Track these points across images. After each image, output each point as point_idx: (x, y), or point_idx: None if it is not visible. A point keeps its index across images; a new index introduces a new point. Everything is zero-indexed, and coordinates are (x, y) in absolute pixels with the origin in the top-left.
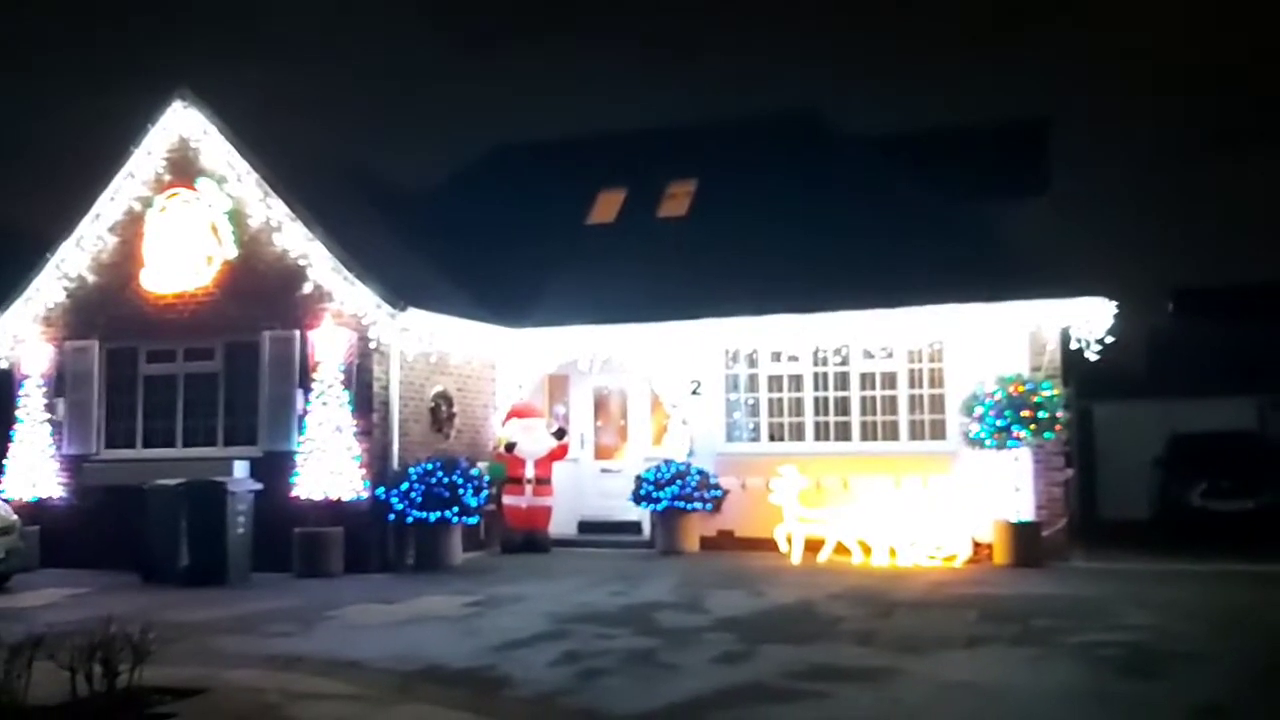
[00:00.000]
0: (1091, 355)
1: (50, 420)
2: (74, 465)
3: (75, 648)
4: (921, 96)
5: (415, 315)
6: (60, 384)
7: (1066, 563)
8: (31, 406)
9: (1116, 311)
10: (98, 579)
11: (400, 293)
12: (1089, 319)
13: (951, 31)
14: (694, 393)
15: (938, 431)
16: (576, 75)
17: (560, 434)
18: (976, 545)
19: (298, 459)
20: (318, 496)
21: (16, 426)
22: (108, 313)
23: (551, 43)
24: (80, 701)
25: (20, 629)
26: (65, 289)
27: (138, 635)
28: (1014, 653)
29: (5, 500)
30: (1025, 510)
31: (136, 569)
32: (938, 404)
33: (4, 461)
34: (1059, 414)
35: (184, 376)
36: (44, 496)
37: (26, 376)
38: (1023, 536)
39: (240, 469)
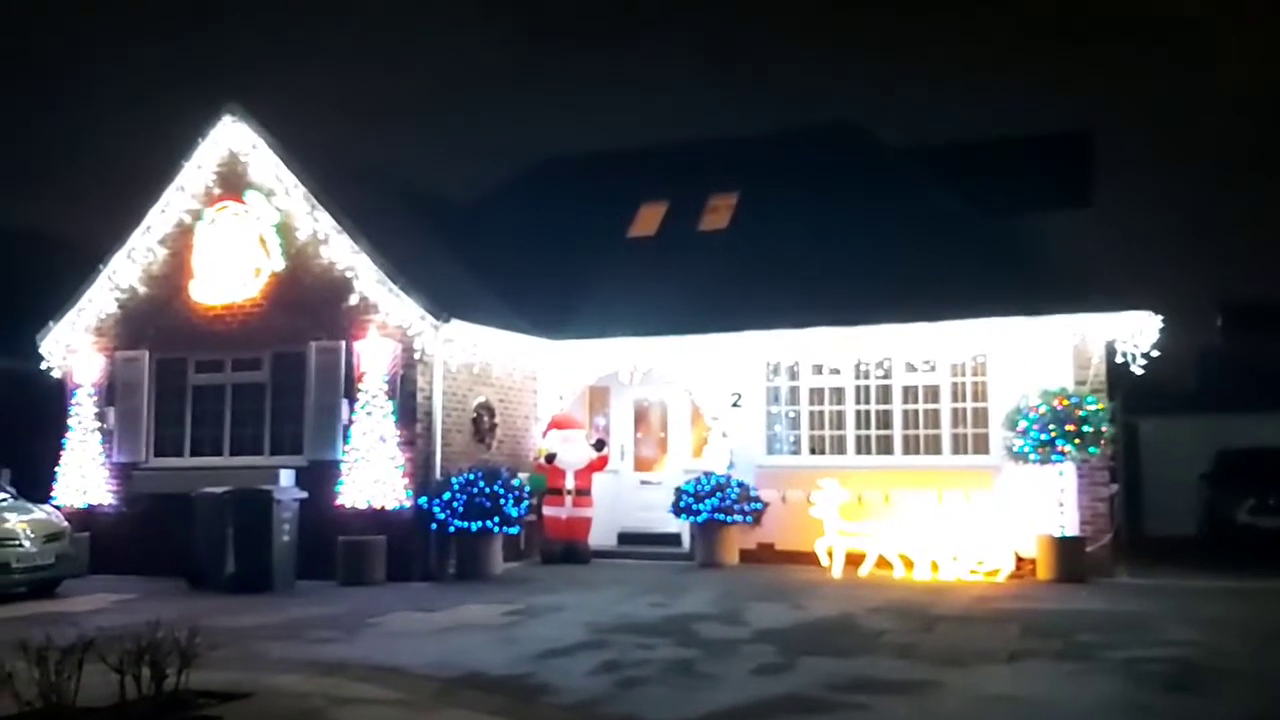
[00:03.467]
0: (1137, 369)
1: (101, 429)
2: (124, 473)
3: (124, 651)
4: (965, 108)
5: (458, 326)
6: (111, 393)
7: (1111, 578)
8: (83, 415)
9: (1163, 325)
10: (146, 585)
11: (444, 304)
12: (1135, 332)
13: (998, 43)
14: (734, 405)
15: (981, 446)
16: (621, 87)
17: (600, 445)
18: (1019, 560)
19: (342, 468)
20: (361, 505)
21: (68, 435)
22: (158, 323)
23: (597, 55)
24: (128, 704)
25: (71, 632)
26: (116, 300)
27: (185, 640)
28: (1057, 667)
29: (56, 507)
30: (1069, 525)
31: (184, 575)
32: (981, 418)
33: (56, 469)
34: (1104, 428)
35: (232, 386)
36: (94, 504)
37: (78, 386)
38: (1066, 552)
39: (286, 478)
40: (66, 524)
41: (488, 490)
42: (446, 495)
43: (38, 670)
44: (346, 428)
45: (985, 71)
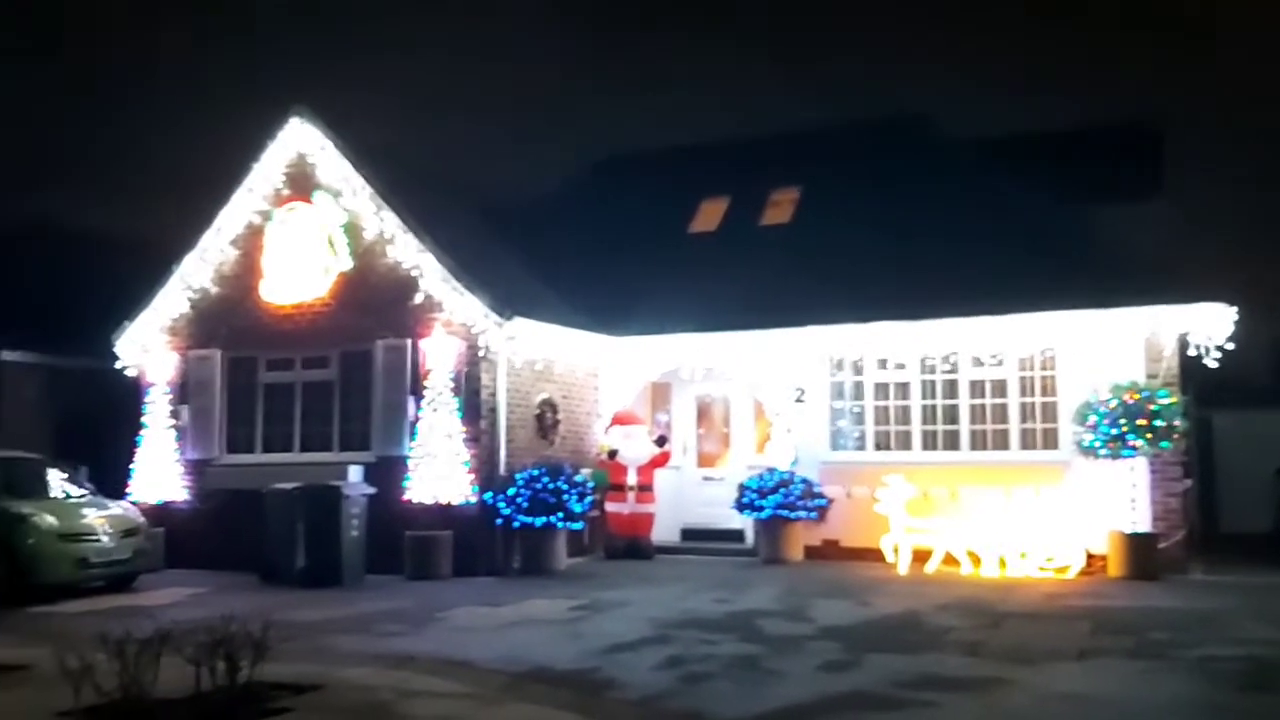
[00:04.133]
0: (1211, 362)
1: (175, 426)
2: (197, 469)
3: (199, 644)
4: (1030, 98)
5: (521, 324)
6: (184, 391)
7: (1184, 575)
8: (157, 413)
9: (1237, 318)
10: (218, 579)
11: (507, 302)
12: (1209, 325)
13: (1064, 31)
14: (798, 400)
15: (1050, 441)
16: (683, 82)
17: (662, 441)
18: (1090, 557)
19: (409, 464)
20: (428, 501)
21: (143, 432)
22: (229, 322)
23: (658, 51)
24: (203, 695)
25: (148, 625)
26: (189, 300)
27: (258, 633)
28: (1128, 665)
29: (132, 503)
30: (1141, 521)
31: (255, 570)
32: (1050, 412)
33: (131, 466)
34: (1176, 423)
35: (301, 384)
36: (168, 499)
37: (152, 384)
38: (1138, 548)
39: (354, 473)
40: (142, 519)
41: (551, 486)
42: (511, 491)
43: (117, 662)
44: (413, 424)
45: (1053, 61)
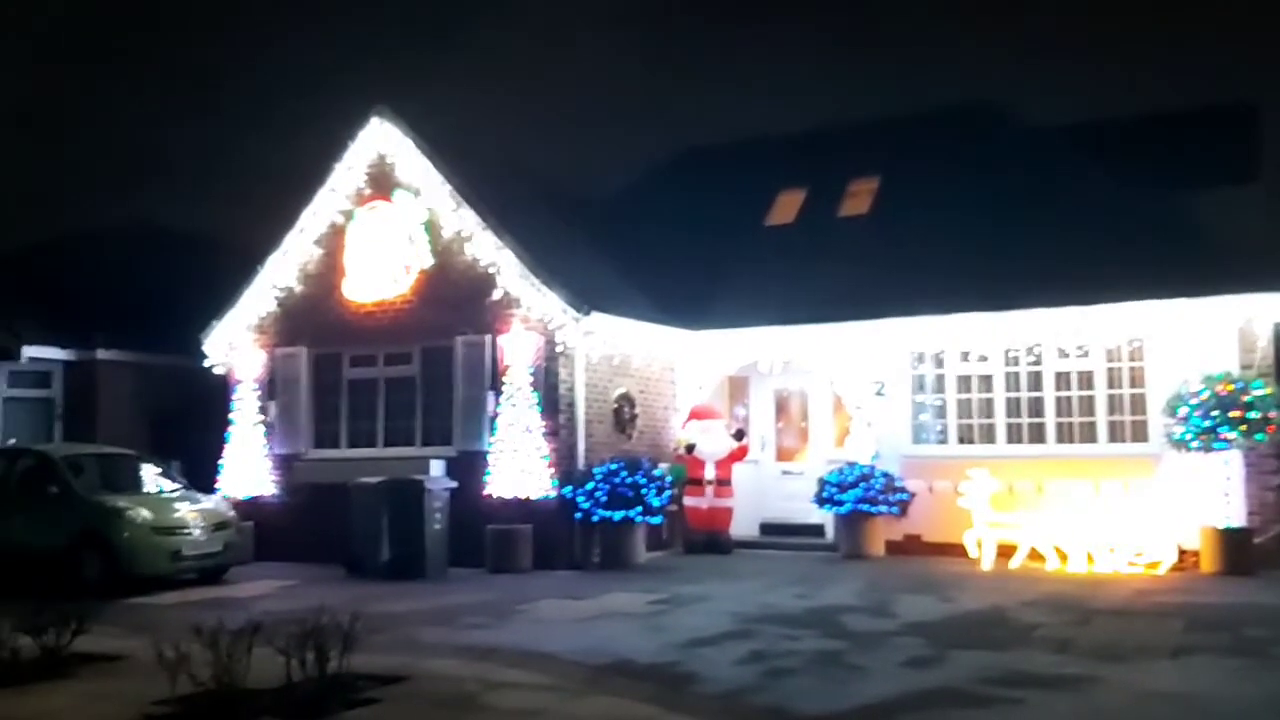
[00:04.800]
0: None
1: (263, 422)
2: (284, 464)
3: (289, 635)
4: (1117, 81)
5: (598, 319)
6: (271, 388)
7: None
8: (245, 409)
9: None
10: (306, 571)
11: (584, 297)
12: None
13: (1151, 8)
14: (878, 394)
15: (1139, 433)
16: (759, 73)
17: (739, 435)
18: (1182, 552)
19: (489, 458)
20: (508, 495)
21: (232, 428)
22: (313, 320)
23: (734, 42)
24: (294, 685)
25: (239, 617)
26: (275, 298)
27: (346, 624)
28: (1224, 663)
29: (223, 497)
30: (1235, 516)
31: (341, 562)
32: (1139, 404)
33: (221, 461)
34: (1272, 414)
35: (384, 380)
36: (257, 494)
37: (240, 381)
38: (1232, 543)
39: (437, 468)
40: (233, 513)
41: (629, 480)
42: (590, 485)
43: (211, 653)
44: (492, 419)
45: (1141, 42)
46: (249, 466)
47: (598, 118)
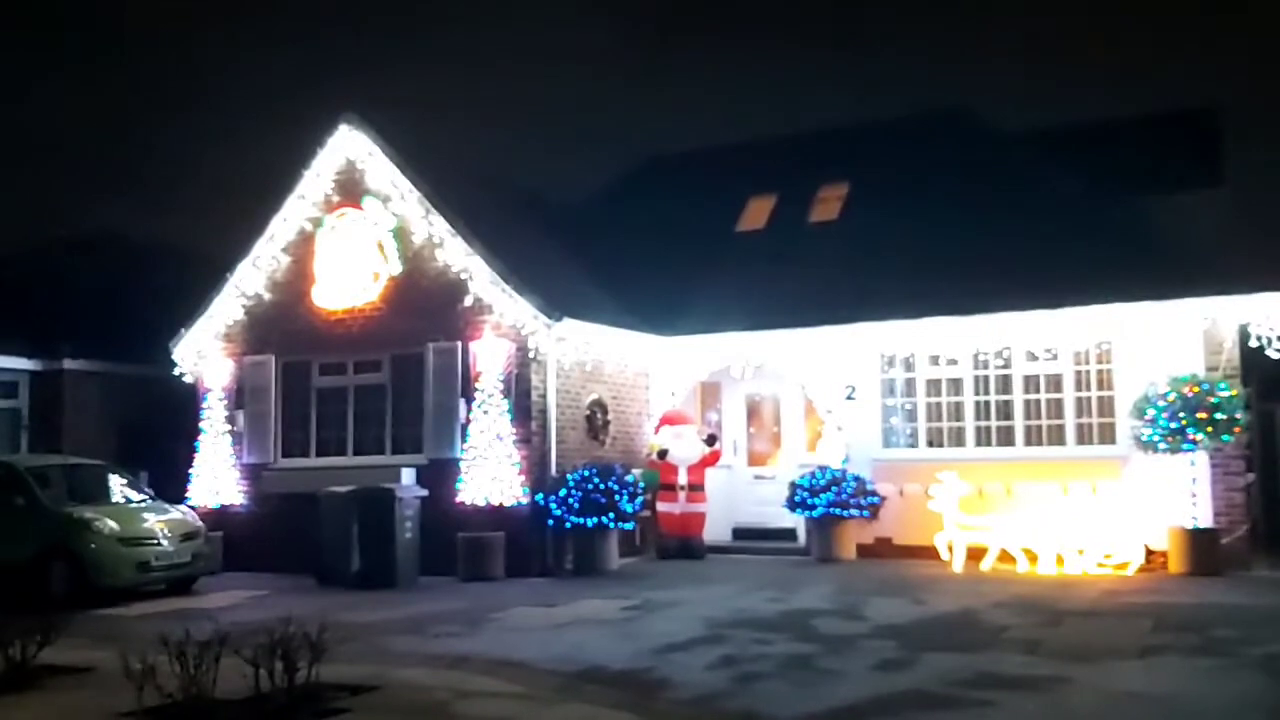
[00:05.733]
0: (1273, 354)
1: (231, 431)
2: (253, 474)
3: (258, 645)
4: (1083, 88)
5: (571, 325)
6: (240, 397)
7: (1248, 572)
8: (214, 418)
9: None
10: (275, 581)
11: (556, 303)
12: (1270, 315)
13: (1116, 20)
14: (848, 398)
15: (1107, 435)
16: (729, 81)
17: (712, 440)
18: (1150, 553)
19: (461, 466)
20: (480, 502)
21: (201, 438)
22: (282, 328)
23: (704, 49)
24: (263, 696)
25: (207, 627)
26: (243, 306)
27: (315, 634)
28: (1192, 663)
29: (191, 507)
30: (1202, 517)
31: (311, 572)
32: (1106, 406)
33: (190, 471)
34: (1238, 415)
35: (354, 388)
36: (226, 504)
37: (209, 390)
38: (1200, 544)
39: (407, 476)
40: (201, 523)
41: (602, 486)
42: (562, 492)
43: (178, 664)
44: (464, 427)
45: (1107, 49)
46: (218, 476)
47: (569, 125)
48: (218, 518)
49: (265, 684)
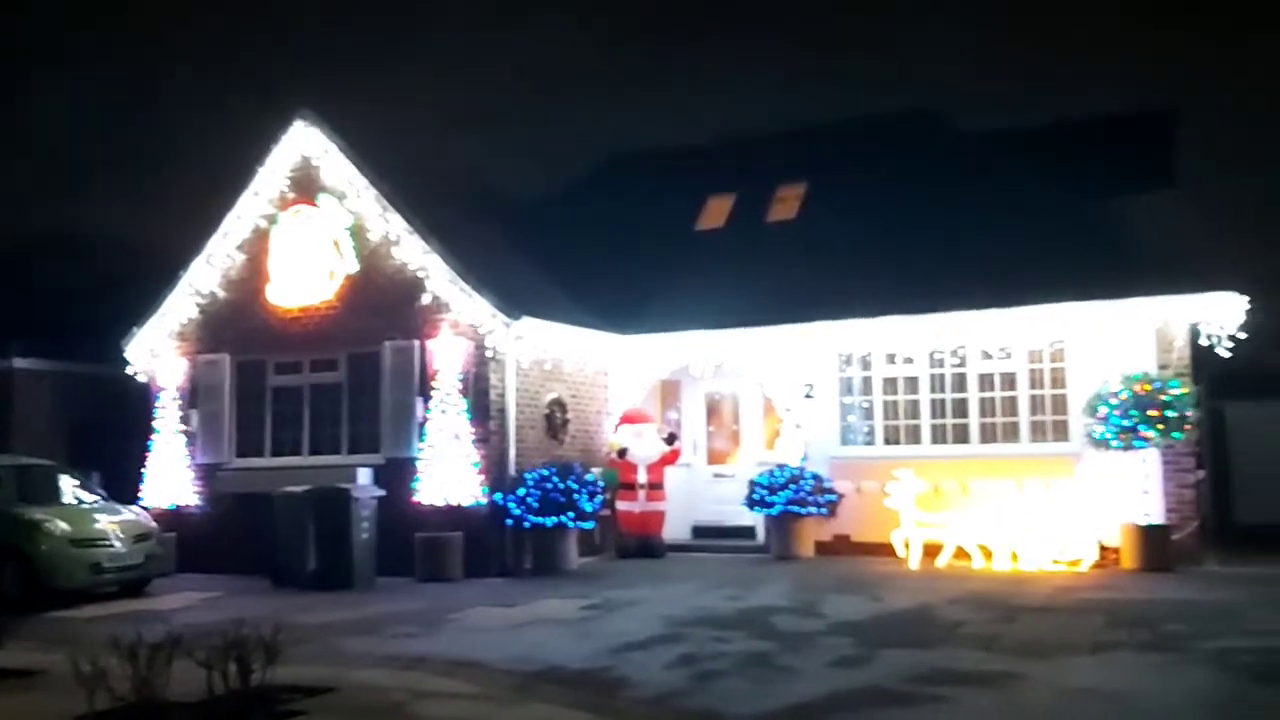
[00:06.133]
0: (1223, 352)
1: (185, 431)
2: (207, 474)
3: (211, 647)
4: (1039, 91)
5: (529, 324)
6: (194, 396)
7: (1199, 567)
8: (167, 418)
9: (1250, 307)
10: (230, 583)
11: (515, 302)
12: (1219, 315)
13: (1079, 22)
14: (807, 396)
15: (1060, 433)
16: (689, 81)
17: (671, 439)
18: (1103, 549)
19: (418, 465)
20: (438, 502)
21: (154, 437)
22: (237, 327)
23: (664, 49)
24: (216, 698)
25: (160, 629)
26: (197, 305)
27: (269, 635)
28: (1143, 658)
29: (144, 508)
30: (1154, 513)
31: (267, 573)
32: (1060, 405)
33: (143, 471)
34: (1188, 413)
35: (309, 387)
36: (180, 504)
37: (162, 389)
38: (1152, 540)
39: (364, 476)
40: (154, 524)
41: (561, 486)
42: (521, 491)
43: (130, 666)
44: (421, 426)
45: (1066, 52)
46: (171, 476)
47: (528, 124)
48: (171, 518)
49: (219, 686)
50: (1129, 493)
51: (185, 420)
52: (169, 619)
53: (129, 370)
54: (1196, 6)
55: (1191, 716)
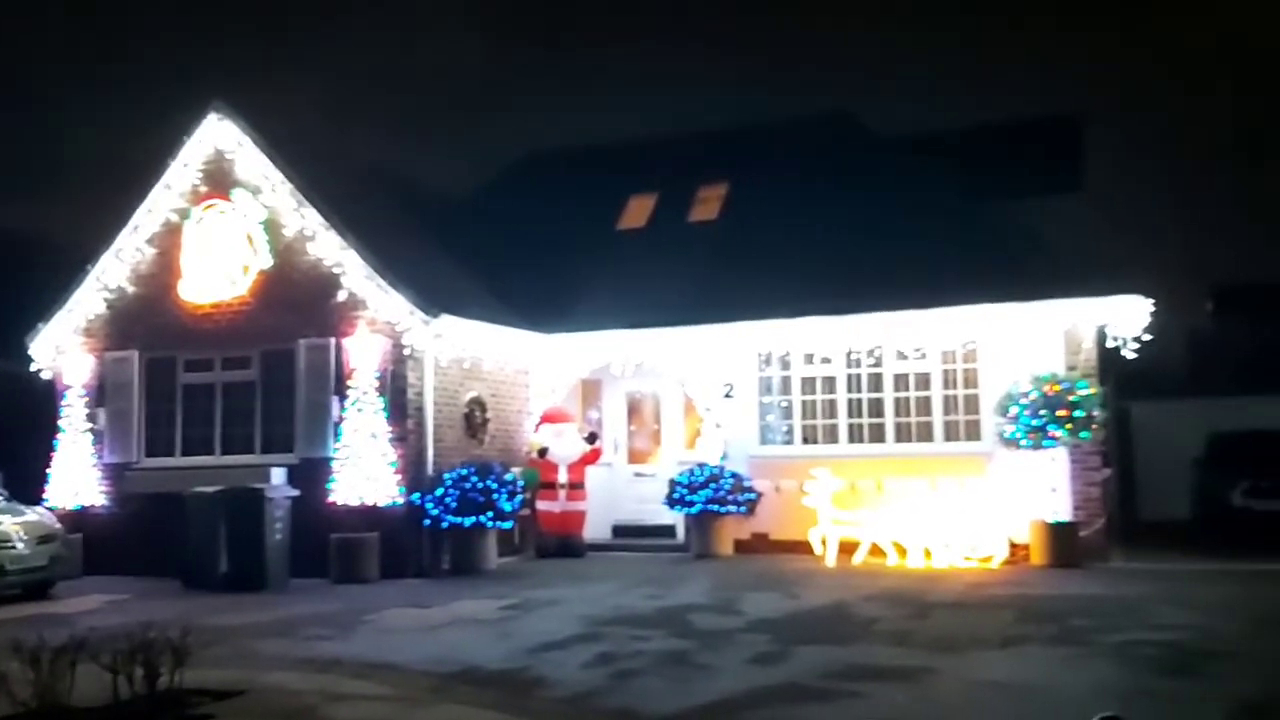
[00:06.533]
0: (1129, 354)
1: (92, 430)
2: (115, 474)
3: (117, 651)
4: (957, 96)
5: (448, 321)
6: (101, 394)
7: (1105, 563)
8: (73, 416)
9: (1154, 309)
10: (139, 585)
11: (433, 299)
12: (1125, 317)
13: (986, 27)
14: (727, 396)
15: (973, 432)
16: (612, 77)
17: (592, 438)
18: (1013, 546)
19: (334, 465)
20: (354, 502)
21: (59, 436)
22: (146, 323)
23: (586, 48)
24: (122, 703)
25: (64, 633)
26: (105, 300)
27: (177, 638)
28: (1051, 652)
29: (49, 508)
30: (1062, 510)
31: (177, 575)
32: (972, 404)
33: (48, 470)
34: (1095, 413)
35: (221, 385)
36: (86, 505)
37: (68, 387)
38: (1060, 537)
39: (277, 476)
40: (59, 525)
41: (480, 485)
42: (439, 491)
43: (32, 671)
44: (337, 425)
45: (977, 59)
46: (78, 476)
47: (450, 120)
48: (77, 519)
49: (125, 691)
50: (1038, 491)
51: (92, 418)
52: (73, 622)
53: (33, 367)
54: (1105, 16)
55: (1096, 707)
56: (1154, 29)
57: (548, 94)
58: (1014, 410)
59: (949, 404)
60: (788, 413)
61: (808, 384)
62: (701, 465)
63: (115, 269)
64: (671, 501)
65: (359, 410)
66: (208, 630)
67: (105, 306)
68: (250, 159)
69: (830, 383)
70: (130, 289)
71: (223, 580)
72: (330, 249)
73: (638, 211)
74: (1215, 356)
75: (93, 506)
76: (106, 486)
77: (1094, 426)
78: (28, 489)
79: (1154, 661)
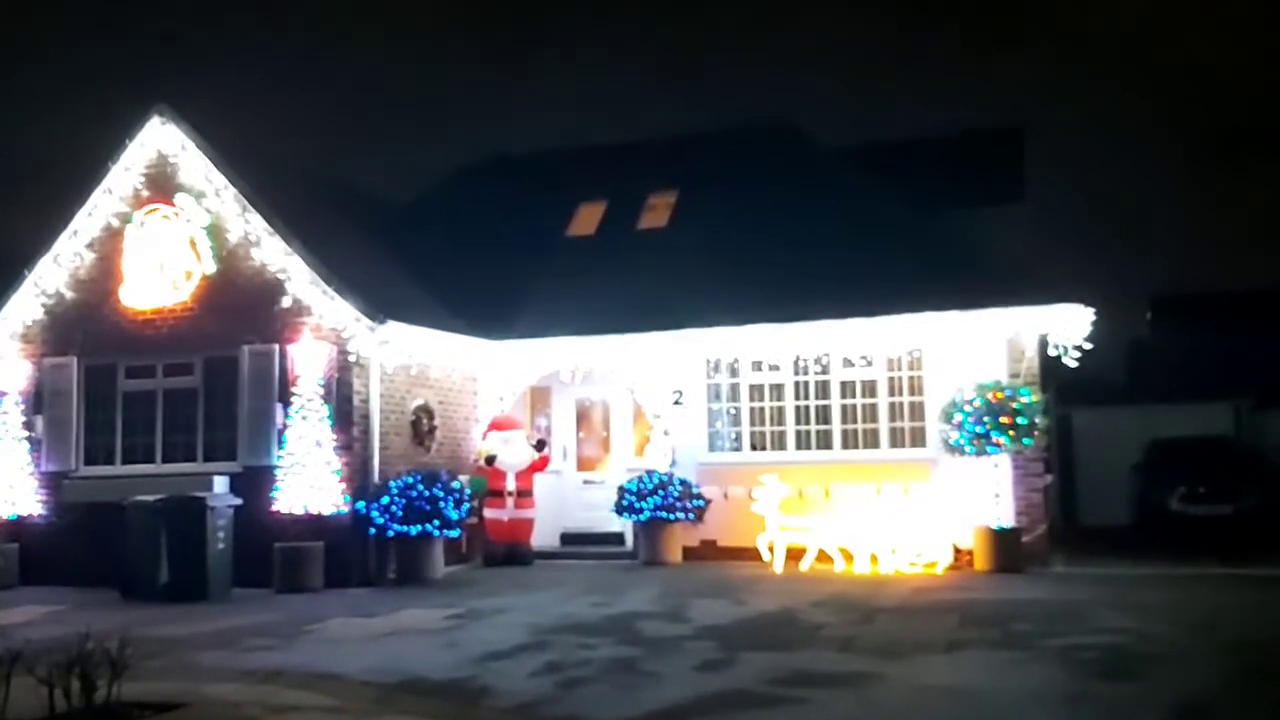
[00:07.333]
0: (1070, 362)
1: (29, 437)
2: (53, 482)
3: (53, 663)
4: (899, 108)
5: (394, 328)
6: (39, 401)
7: (1047, 568)
8: (9, 424)
9: (1094, 318)
10: (77, 596)
11: (379, 306)
12: (1067, 326)
13: (929, 40)
14: (676, 403)
15: (918, 439)
16: (560, 87)
17: (541, 446)
18: (957, 551)
19: (278, 474)
20: (298, 511)
21: None
22: (86, 329)
23: (535, 55)
24: (58, 717)
25: None
26: (43, 306)
27: (116, 650)
28: (994, 656)
29: None
30: (1005, 516)
31: (116, 585)
32: (918, 411)
33: None
34: (1038, 420)
35: (163, 392)
36: (22, 514)
37: (4, 394)
38: (1003, 542)
39: (220, 484)
40: None
41: (427, 494)
42: (385, 499)
43: None
44: (281, 433)
45: (921, 72)
46: (13, 485)
47: (397, 128)
48: (13, 529)
49: (61, 704)
50: (982, 497)
51: (29, 426)
52: (8, 634)
53: None
54: (1045, 30)
55: (1038, 711)
56: (1091, 44)
57: (491, 100)
58: (958, 417)
59: (895, 411)
60: (736, 420)
61: (756, 391)
62: (650, 472)
63: (53, 274)
64: (620, 509)
65: (304, 418)
66: (148, 641)
67: (43, 312)
68: (194, 163)
69: (778, 390)
70: (69, 294)
71: (163, 591)
72: (275, 255)
73: (587, 218)
74: (1153, 365)
75: (30, 516)
76: (44, 495)
77: (1036, 433)
78: None
79: (1094, 664)
